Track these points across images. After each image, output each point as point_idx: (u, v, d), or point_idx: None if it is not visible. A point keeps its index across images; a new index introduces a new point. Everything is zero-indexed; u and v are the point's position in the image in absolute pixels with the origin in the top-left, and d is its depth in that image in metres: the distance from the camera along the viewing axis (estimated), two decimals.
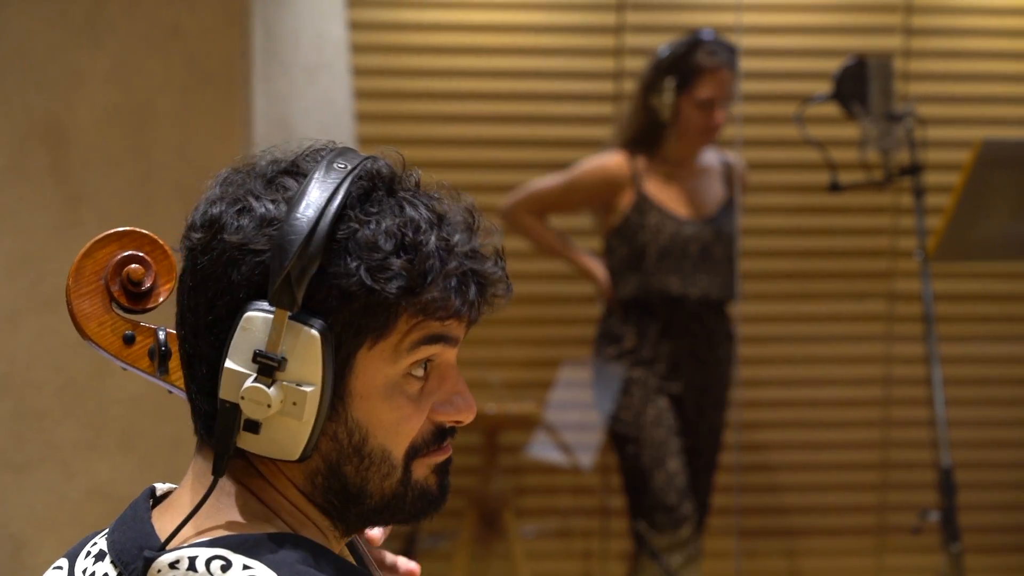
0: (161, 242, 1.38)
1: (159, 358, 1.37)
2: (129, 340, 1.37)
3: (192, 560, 1.16)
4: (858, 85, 3.60)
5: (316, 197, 1.18)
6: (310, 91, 3.72)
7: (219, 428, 1.19)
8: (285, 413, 1.18)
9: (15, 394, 3.14)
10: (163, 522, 1.22)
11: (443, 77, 4.55)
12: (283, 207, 1.19)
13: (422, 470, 1.25)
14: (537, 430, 4.48)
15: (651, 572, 3.87)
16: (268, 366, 1.17)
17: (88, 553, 1.25)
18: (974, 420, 4.64)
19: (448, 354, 1.25)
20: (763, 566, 4.68)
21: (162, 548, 1.19)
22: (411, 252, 1.19)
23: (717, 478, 4.06)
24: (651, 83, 3.87)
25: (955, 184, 3.40)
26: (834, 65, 3.69)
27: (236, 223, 1.20)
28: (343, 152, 1.23)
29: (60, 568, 1.27)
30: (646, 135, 3.89)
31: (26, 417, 3.14)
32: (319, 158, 1.23)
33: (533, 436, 4.50)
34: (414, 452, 1.24)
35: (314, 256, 1.16)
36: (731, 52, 3.87)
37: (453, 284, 1.21)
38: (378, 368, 1.21)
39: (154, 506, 1.27)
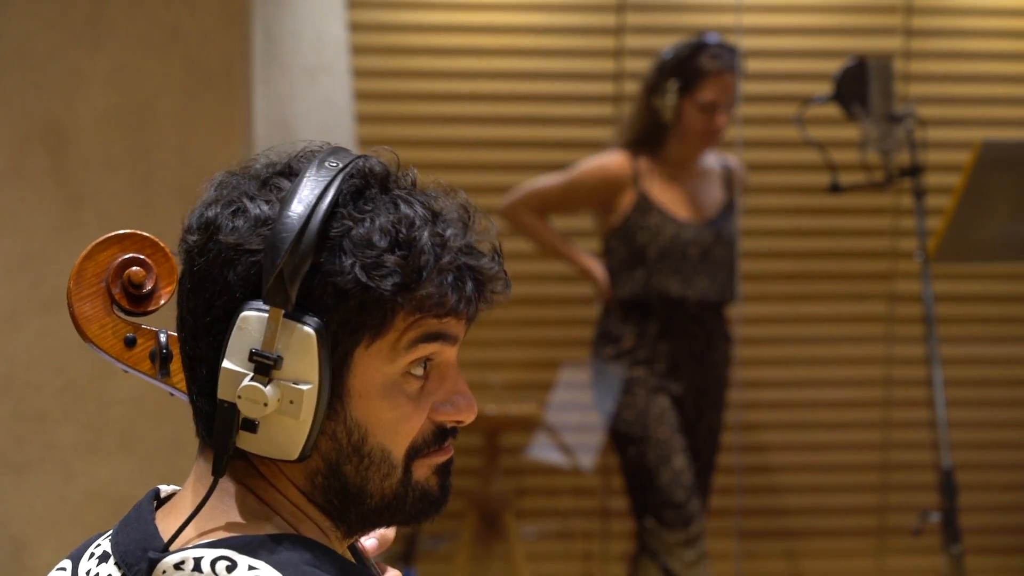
0: (162, 245, 1.38)
1: (160, 360, 1.37)
2: (130, 343, 1.37)
3: (197, 561, 1.17)
4: (858, 86, 3.60)
5: (307, 195, 1.18)
6: (310, 92, 3.72)
7: (217, 428, 1.20)
8: (283, 412, 1.19)
9: (15, 395, 3.14)
10: (167, 524, 1.23)
11: (443, 78, 4.55)
12: (276, 207, 1.20)
13: (423, 471, 1.25)
14: (537, 431, 4.48)
15: (652, 573, 3.86)
16: (264, 365, 1.18)
17: (92, 555, 1.26)
18: (975, 421, 4.64)
19: (448, 353, 1.24)
20: (763, 567, 4.68)
21: (165, 549, 1.19)
22: (405, 248, 1.19)
23: (717, 479, 4.06)
24: (654, 84, 3.87)
25: (955, 185, 3.40)
26: (834, 66, 3.69)
27: (231, 224, 1.20)
28: (335, 151, 1.24)
29: (64, 569, 1.27)
30: (648, 136, 3.89)
31: (26, 418, 3.14)
32: (312, 158, 1.23)
33: (533, 437, 4.50)
34: (414, 452, 1.24)
35: (306, 253, 1.17)
36: (735, 56, 3.87)
37: (449, 280, 1.21)
38: (376, 367, 1.21)
39: (158, 508, 1.27)
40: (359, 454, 1.22)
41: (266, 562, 1.16)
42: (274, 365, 1.18)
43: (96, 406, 3.14)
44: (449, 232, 1.21)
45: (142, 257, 1.37)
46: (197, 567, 1.16)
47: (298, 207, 1.18)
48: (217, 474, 1.20)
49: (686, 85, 3.83)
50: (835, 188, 3.69)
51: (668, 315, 3.87)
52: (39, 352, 3.13)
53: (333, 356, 1.19)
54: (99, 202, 3.13)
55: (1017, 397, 4.74)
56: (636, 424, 3.85)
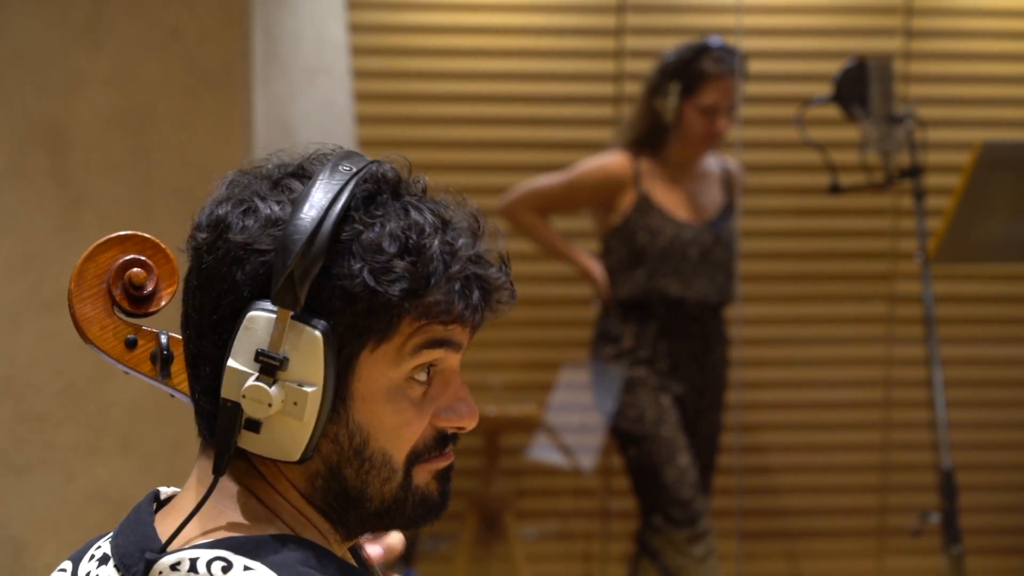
0: (163, 246, 1.38)
1: (161, 362, 1.37)
2: (131, 344, 1.37)
3: (193, 562, 1.17)
4: (858, 87, 3.60)
5: (320, 198, 1.18)
6: (310, 93, 3.72)
7: (220, 427, 1.20)
8: (286, 413, 1.19)
9: (15, 396, 3.14)
10: (166, 525, 1.23)
11: (443, 79, 4.55)
12: (288, 208, 1.20)
13: (423, 476, 1.25)
14: (537, 432, 4.48)
15: (651, 574, 3.86)
16: (270, 365, 1.18)
17: (92, 556, 1.26)
18: (975, 422, 4.64)
19: (451, 359, 1.25)
20: (764, 568, 4.68)
21: (163, 550, 1.19)
22: (415, 255, 1.19)
23: (717, 480, 4.06)
24: (656, 86, 3.87)
25: (955, 186, 3.40)
26: (834, 67, 3.69)
27: (241, 223, 1.20)
28: (349, 155, 1.24)
29: (64, 571, 1.27)
30: (649, 137, 3.90)
31: (27, 419, 3.14)
32: (325, 161, 1.23)
33: (534, 438, 4.50)
34: (415, 457, 1.24)
35: (317, 256, 1.17)
36: (737, 60, 3.87)
37: (456, 288, 1.21)
38: (381, 371, 1.21)
39: (158, 510, 1.27)
40: (360, 457, 1.22)
41: (262, 563, 1.16)
42: (280, 366, 1.18)
43: (96, 407, 3.13)
44: (460, 241, 1.22)
45: (143, 258, 1.37)
46: (193, 568, 1.16)
47: (311, 210, 1.18)
48: (218, 473, 1.20)
49: (688, 88, 3.83)
50: (835, 189, 3.69)
51: (667, 316, 3.87)
52: (39, 353, 3.13)
53: (338, 359, 1.19)
54: (99, 203, 3.12)
55: (1017, 398, 4.74)
56: (639, 423, 3.85)
